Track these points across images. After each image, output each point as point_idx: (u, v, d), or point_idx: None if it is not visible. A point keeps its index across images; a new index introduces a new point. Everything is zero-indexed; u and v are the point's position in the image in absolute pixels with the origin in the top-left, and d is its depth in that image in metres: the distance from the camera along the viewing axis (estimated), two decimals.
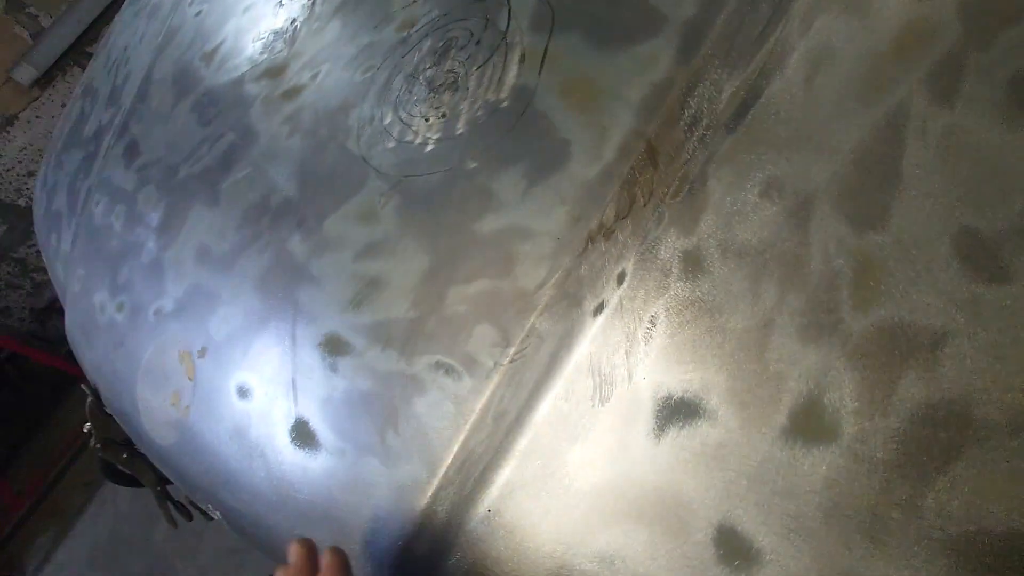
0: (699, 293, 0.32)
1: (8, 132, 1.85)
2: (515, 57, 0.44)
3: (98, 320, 0.61)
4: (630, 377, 0.32)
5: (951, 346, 0.26)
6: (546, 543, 0.31)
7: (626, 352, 0.32)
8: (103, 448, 0.62)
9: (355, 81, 0.53)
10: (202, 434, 0.48)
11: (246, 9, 0.69)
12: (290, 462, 0.42)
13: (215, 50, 0.69)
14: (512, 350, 0.35)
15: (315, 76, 0.56)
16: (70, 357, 0.65)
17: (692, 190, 0.34)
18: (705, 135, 0.35)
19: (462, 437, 0.35)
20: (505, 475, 0.34)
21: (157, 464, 0.56)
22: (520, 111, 0.42)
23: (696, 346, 0.31)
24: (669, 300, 0.32)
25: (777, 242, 0.31)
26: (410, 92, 0.49)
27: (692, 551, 0.27)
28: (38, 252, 1.91)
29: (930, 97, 0.30)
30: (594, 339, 0.33)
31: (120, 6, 0.97)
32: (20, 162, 1.90)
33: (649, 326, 0.32)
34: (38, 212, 0.85)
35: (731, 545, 0.27)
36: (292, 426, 0.42)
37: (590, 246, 0.35)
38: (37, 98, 1.86)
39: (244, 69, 0.63)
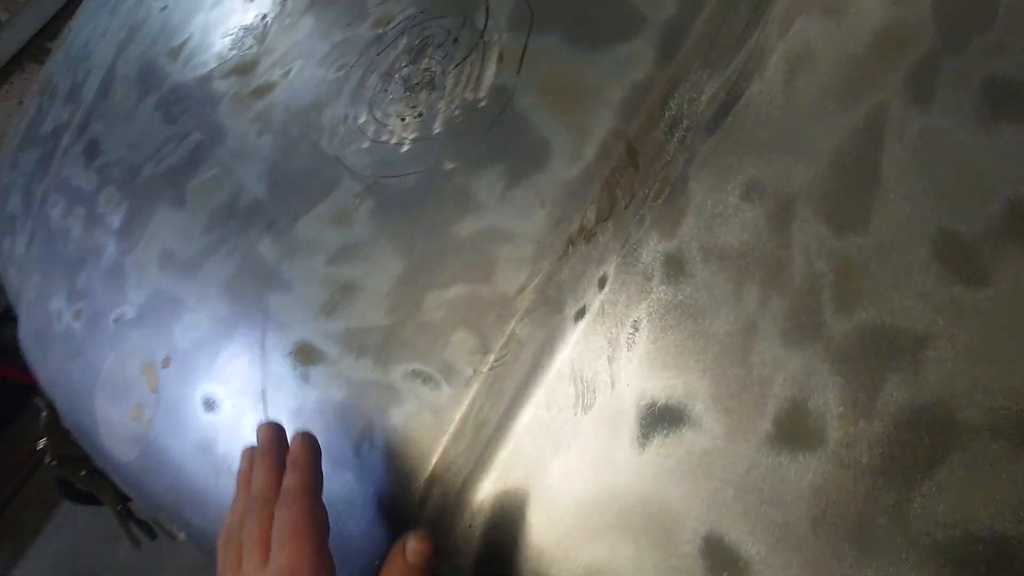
0: (681, 297, 0.31)
1: None
2: (493, 56, 0.43)
3: (54, 329, 0.58)
4: (613, 384, 0.31)
5: (932, 349, 0.26)
6: (530, 558, 0.30)
7: (608, 358, 0.32)
8: (60, 465, 0.59)
9: (328, 79, 0.51)
10: (166, 449, 0.45)
11: (215, 4, 0.67)
12: None
13: (182, 46, 0.66)
14: (492, 357, 0.34)
15: (286, 73, 0.54)
16: (24, 368, 0.61)
17: (673, 192, 0.33)
18: (685, 136, 0.34)
19: (441, 449, 0.34)
20: (486, 487, 0.33)
21: (118, 481, 0.53)
22: (498, 111, 0.41)
23: (679, 351, 0.30)
24: (651, 304, 0.32)
25: (759, 245, 0.31)
26: (385, 91, 0.47)
27: (679, 563, 0.27)
28: None
29: (907, 100, 0.30)
30: (576, 345, 0.32)
31: (81, 1, 0.93)
32: None
33: (632, 331, 0.32)
34: None
35: (719, 556, 0.26)
36: None
37: (571, 249, 0.35)
38: None
39: (212, 66, 0.61)
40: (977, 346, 0.25)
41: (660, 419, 0.30)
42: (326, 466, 0.33)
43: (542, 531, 0.30)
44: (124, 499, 0.60)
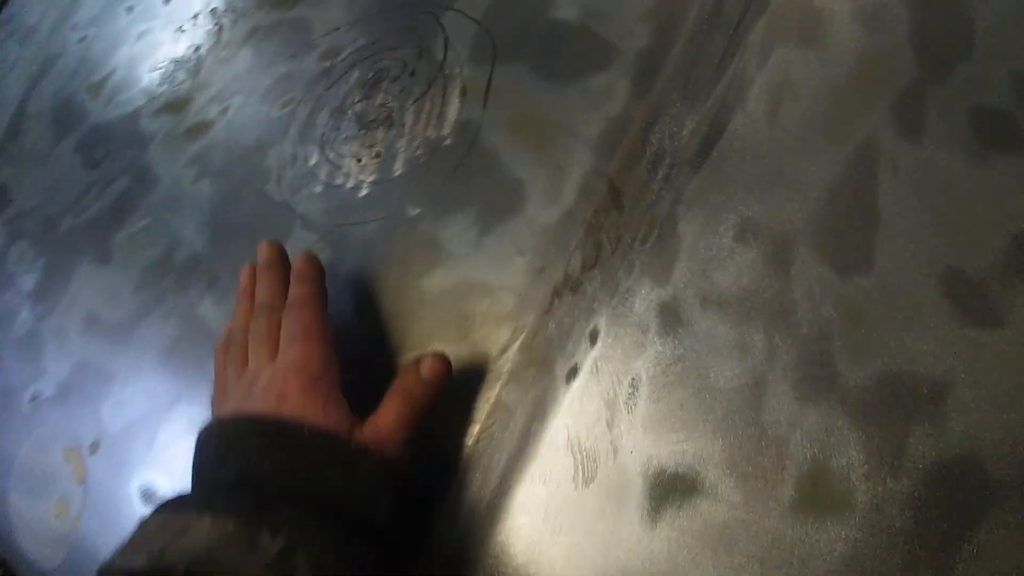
0: (682, 350, 0.29)
1: None
2: (455, 90, 0.40)
3: None
4: (615, 451, 0.28)
5: (954, 397, 0.24)
6: None
7: (607, 422, 0.28)
8: None
9: (272, 116, 0.47)
10: (97, 550, 0.39)
11: (141, 35, 0.61)
12: None
13: (103, 81, 0.60)
14: (477, 428, 0.30)
15: (225, 111, 0.49)
16: None
17: (662, 234, 0.31)
18: (670, 173, 0.32)
19: (428, 536, 0.30)
20: None
21: None
22: (465, 149, 0.38)
23: (685, 411, 0.28)
24: (650, 359, 0.29)
25: (759, 290, 0.28)
26: (337, 129, 0.43)
27: None
28: None
29: (897, 130, 0.29)
30: (570, 409, 0.29)
31: None
32: None
33: (631, 390, 0.29)
34: None
35: None
36: None
37: (556, 301, 0.32)
38: None
39: (139, 103, 0.55)
40: (1001, 392, 0.24)
41: (671, 489, 0.27)
42: None
43: None
44: None
